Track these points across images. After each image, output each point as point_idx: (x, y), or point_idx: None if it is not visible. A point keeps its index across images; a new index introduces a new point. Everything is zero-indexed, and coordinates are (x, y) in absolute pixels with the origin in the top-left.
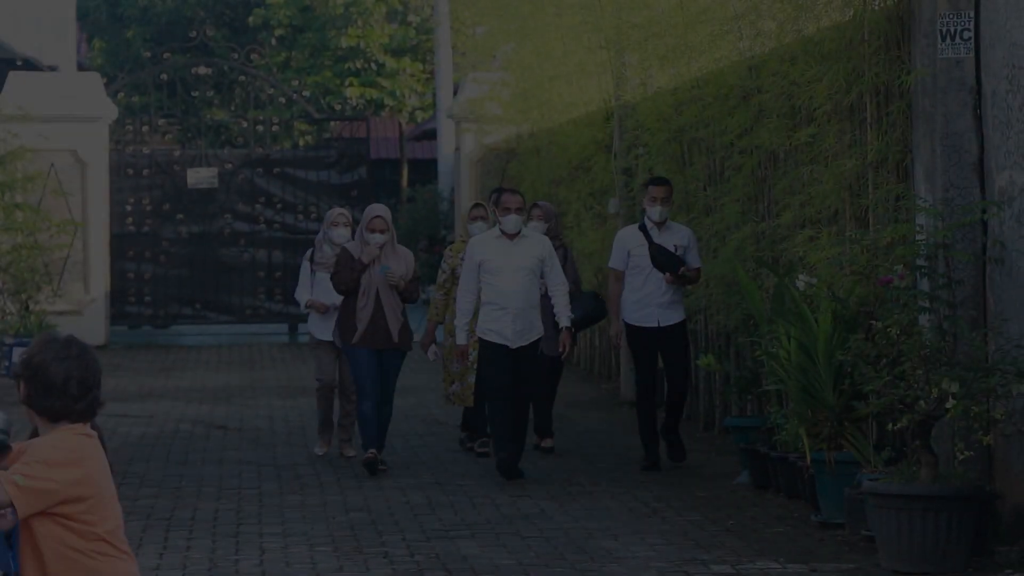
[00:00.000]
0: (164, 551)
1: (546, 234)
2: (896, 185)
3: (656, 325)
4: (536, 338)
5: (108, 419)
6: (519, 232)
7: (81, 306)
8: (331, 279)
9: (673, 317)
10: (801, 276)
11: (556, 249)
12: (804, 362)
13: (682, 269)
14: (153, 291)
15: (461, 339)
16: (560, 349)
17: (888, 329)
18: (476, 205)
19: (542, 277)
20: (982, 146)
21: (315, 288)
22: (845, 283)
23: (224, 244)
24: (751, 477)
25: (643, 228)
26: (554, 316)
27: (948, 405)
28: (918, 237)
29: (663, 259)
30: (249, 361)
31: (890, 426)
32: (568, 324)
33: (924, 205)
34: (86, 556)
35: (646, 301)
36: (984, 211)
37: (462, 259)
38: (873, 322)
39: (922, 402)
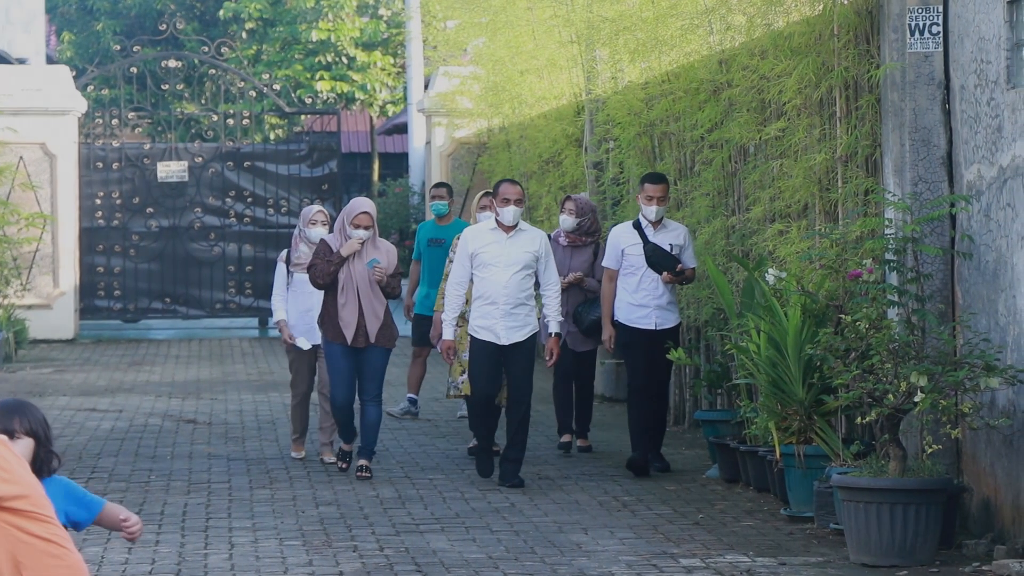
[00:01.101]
0: (133, 545)
1: (577, 229)
2: (865, 179)
3: (652, 327)
4: (529, 335)
5: (77, 413)
6: (516, 225)
7: (50, 300)
8: (307, 270)
9: (669, 320)
10: (771, 270)
11: (588, 246)
12: (774, 356)
13: (679, 268)
14: (123, 285)
15: (448, 334)
16: (547, 356)
17: (857, 323)
18: (485, 194)
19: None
20: (951, 140)
21: (292, 290)
22: (814, 277)
23: (194, 238)
24: (721, 471)
25: (637, 226)
26: (577, 316)
27: (916, 399)
28: (887, 231)
29: (658, 259)
30: (219, 355)
31: (859, 420)
32: (558, 330)
33: (893, 199)
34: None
35: (643, 303)
36: (952, 205)
37: None
38: (842, 316)
39: (891, 396)
